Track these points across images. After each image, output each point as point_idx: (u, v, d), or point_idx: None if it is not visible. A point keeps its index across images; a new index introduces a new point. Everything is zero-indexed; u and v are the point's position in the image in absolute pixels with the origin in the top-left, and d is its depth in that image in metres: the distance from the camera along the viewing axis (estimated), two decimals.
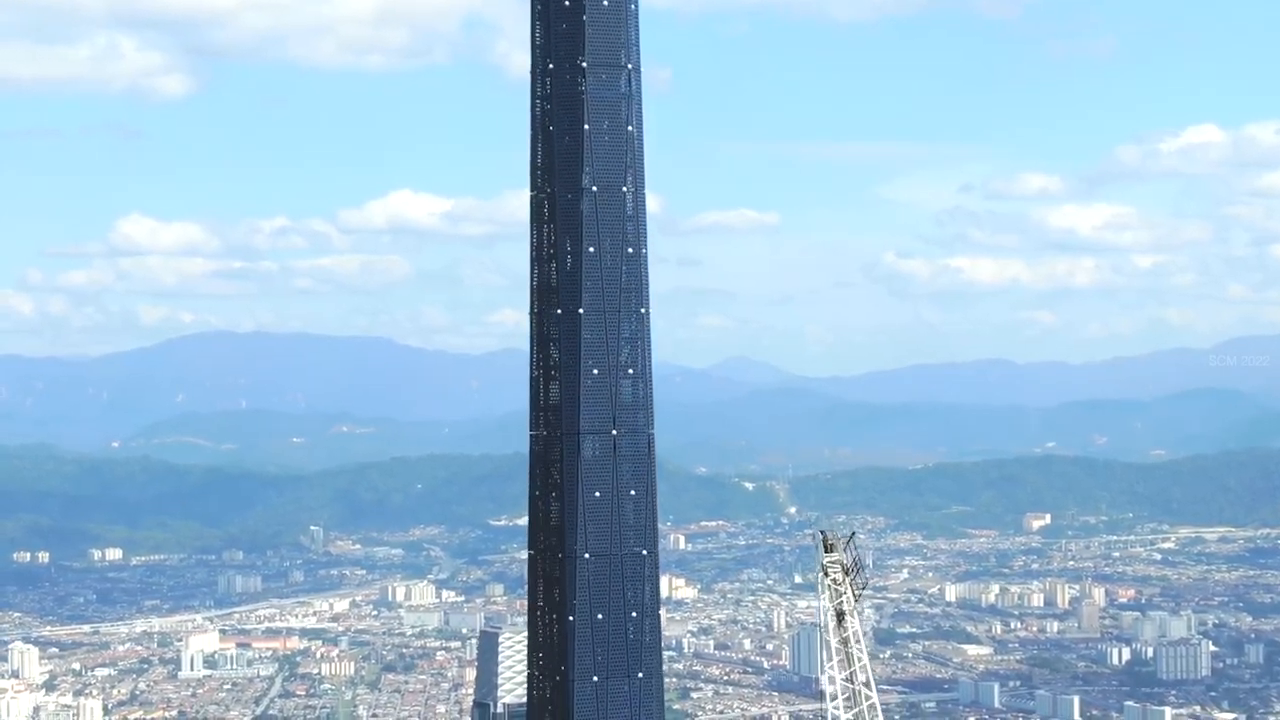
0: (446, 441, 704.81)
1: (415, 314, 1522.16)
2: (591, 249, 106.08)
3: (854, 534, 71.52)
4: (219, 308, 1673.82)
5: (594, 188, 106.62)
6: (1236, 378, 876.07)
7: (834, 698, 70.37)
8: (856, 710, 69.86)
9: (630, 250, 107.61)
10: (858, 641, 70.14)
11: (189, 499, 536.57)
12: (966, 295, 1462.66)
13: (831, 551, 71.02)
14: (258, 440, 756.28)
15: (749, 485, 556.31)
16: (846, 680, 70.41)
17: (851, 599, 70.35)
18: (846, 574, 70.68)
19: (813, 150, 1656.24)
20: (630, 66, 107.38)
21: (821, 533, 71.56)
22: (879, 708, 70.18)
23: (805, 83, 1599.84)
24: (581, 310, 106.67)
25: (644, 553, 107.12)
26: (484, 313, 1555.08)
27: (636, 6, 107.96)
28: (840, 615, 70.22)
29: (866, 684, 70.42)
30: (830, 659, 70.65)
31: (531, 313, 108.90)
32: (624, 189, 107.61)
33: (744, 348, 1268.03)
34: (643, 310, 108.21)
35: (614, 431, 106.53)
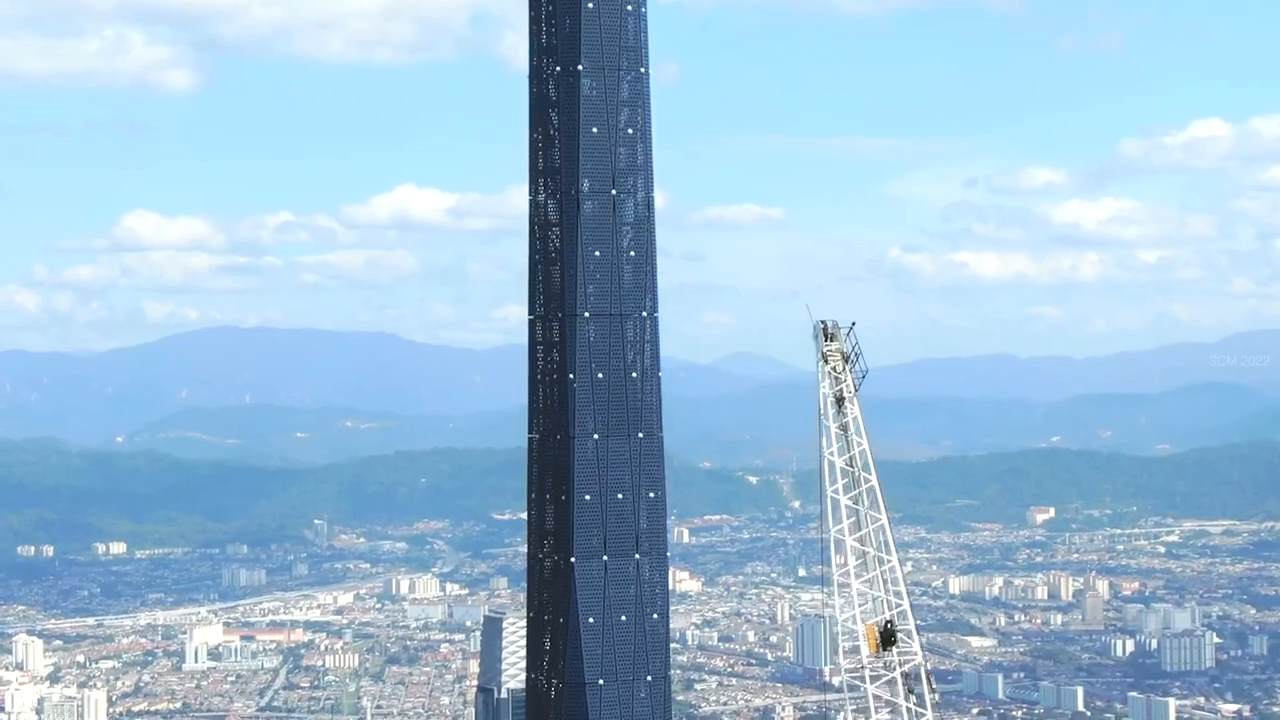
0: (451, 436, 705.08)
1: (420, 309, 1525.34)
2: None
3: (854, 324, 71.29)
4: (224, 303, 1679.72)
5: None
6: (1241, 372, 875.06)
7: (834, 481, 70.11)
8: (856, 492, 69.63)
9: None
10: (858, 427, 69.99)
11: (193, 493, 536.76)
12: (972, 290, 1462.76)
13: (832, 340, 71.03)
14: (262, 435, 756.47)
15: (753, 479, 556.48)
16: (847, 464, 70.21)
17: (851, 385, 70.31)
18: (846, 361, 70.65)
19: (818, 145, 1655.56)
20: None
21: (822, 322, 71.38)
22: (878, 491, 69.89)
23: (811, 77, 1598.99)
24: (580, 67, 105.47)
25: (644, 314, 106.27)
26: (489, 308, 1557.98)
27: None
28: (840, 400, 70.29)
29: (866, 468, 70.25)
30: (830, 444, 70.55)
31: (531, 72, 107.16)
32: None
33: (748, 343, 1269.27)
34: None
35: (613, 191, 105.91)
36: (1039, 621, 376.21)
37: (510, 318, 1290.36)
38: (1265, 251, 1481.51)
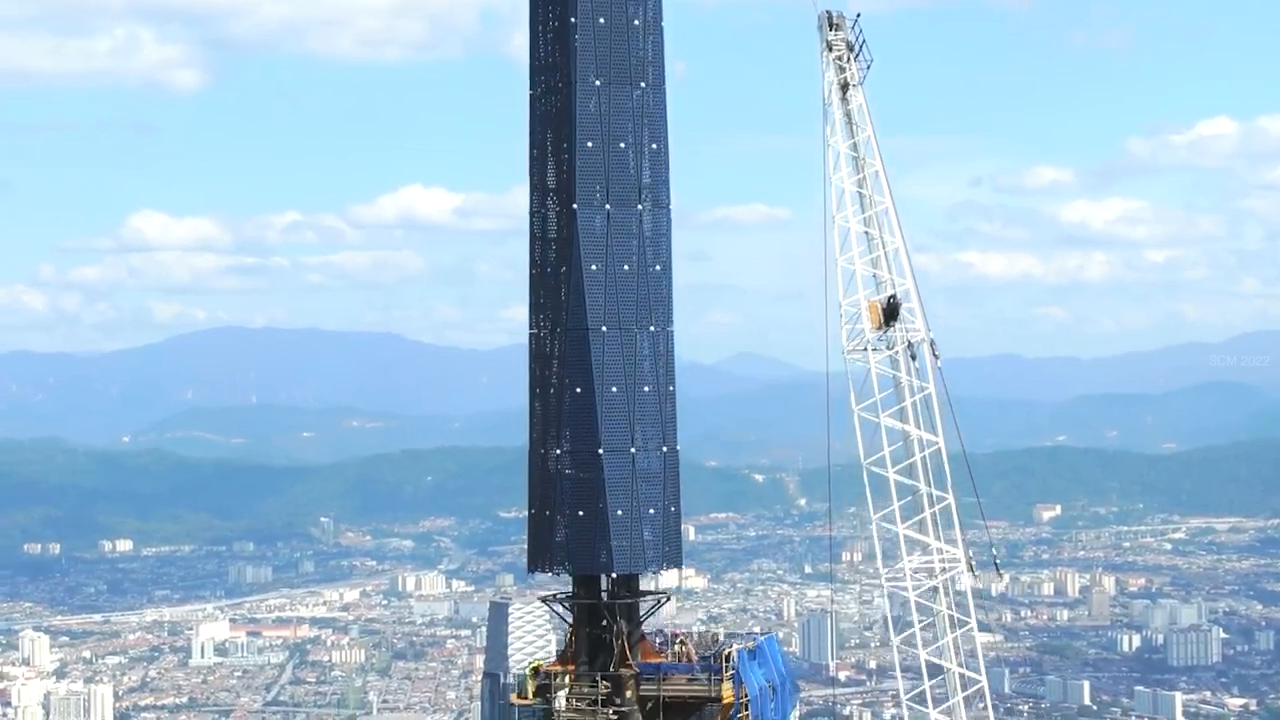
0: (456, 436, 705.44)
1: (427, 309, 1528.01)
2: None
3: (859, 15, 69.99)
4: (230, 303, 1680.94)
5: None
6: (1246, 372, 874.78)
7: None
8: (860, 176, 68.35)
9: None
10: (862, 115, 68.48)
11: (199, 492, 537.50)
12: (977, 290, 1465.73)
13: (837, 30, 69.60)
14: (268, 434, 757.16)
15: (759, 478, 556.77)
16: (851, 150, 68.77)
17: (855, 74, 68.84)
18: (850, 49, 69.37)
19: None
20: None
21: (827, 11, 70.02)
22: (883, 176, 67.95)
23: (816, 77, 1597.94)
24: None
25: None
26: (495, 308, 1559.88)
27: None
28: (845, 88, 68.81)
29: (869, 154, 68.71)
30: (833, 133, 68.86)
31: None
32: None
33: (753, 343, 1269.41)
34: None
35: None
36: (1045, 617, 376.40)
37: (516, 318, 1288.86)
38: (1272, 251, 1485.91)
